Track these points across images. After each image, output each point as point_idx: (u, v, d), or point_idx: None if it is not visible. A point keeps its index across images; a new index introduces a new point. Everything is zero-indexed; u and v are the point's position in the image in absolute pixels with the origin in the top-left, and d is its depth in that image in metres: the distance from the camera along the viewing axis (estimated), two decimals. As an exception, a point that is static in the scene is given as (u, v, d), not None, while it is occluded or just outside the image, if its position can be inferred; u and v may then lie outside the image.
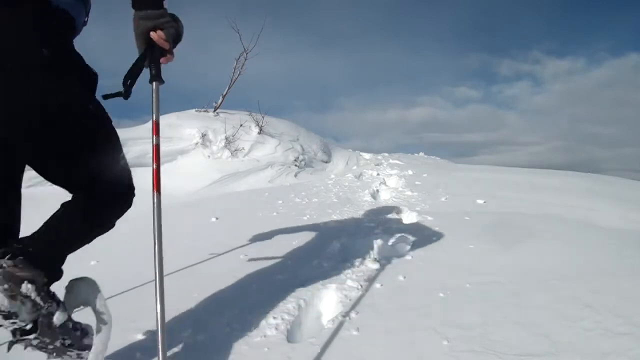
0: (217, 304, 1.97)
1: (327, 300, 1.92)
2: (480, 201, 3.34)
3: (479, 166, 6.79)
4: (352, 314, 1.70)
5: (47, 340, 1.14)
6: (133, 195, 1.31)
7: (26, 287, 1.07)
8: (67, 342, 1.17)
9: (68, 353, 1.19)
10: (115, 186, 1.22)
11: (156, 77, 1.18)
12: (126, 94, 1.13)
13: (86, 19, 1.19)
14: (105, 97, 1.15)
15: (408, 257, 2.27)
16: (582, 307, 1.57)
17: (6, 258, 1.06)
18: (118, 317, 2.05)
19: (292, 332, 1.66)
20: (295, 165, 6.69)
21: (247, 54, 8.21)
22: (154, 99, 1.20)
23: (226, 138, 6.81)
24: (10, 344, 1.14)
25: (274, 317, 1.72)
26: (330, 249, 2.48)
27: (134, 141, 6.31)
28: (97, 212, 1.21)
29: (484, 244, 2.34)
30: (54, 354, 1.19)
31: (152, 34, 1.13)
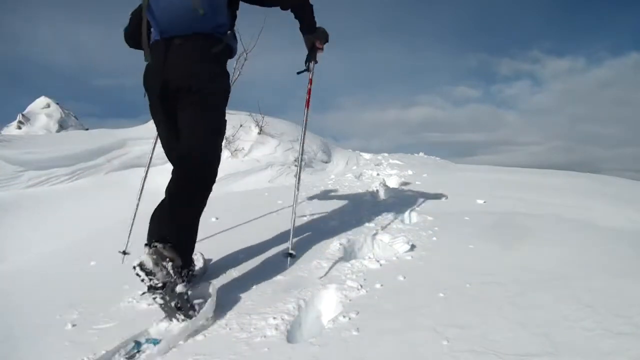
0: (216, 304, 1.97)
1: (327, 300, 1.92)
2: (480, 201, 3.33)
3: (479, 166, 6.79)
4: (352, 314, 1.70)
5: (167, 299, 1.66)
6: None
7: (166, 262, 1.65)
8: (179, 306, 1.68)
9: (177, 315, 1.69)
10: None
11: (313, 59, 2.36)
12: (307, 69, 2.39)
13: (236, 47, 2.16)
14: (298, 72, 2.39)
15: (408, 257, 2.26)
16: (582, 307, 1.57)
17: (158, 243, 1.68)
18: (120, 316, 2.06)
19: (292, 332, 1.66)
20: (295, 166, 6.68)
21: (247, 54, 8.20)
22: (311, 76, 2.38)
23: (226, 138, 6.81)
24: (143, 293, 1.89)
25: (274, 317, 1.72)
26: (330, 249, 2.48)
27: (134, 141, 6.31)
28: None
29: (484, 244, 2.34)
30: (167, 312, 1.71)
31: (317, 42, 2.30)
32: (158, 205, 1.87)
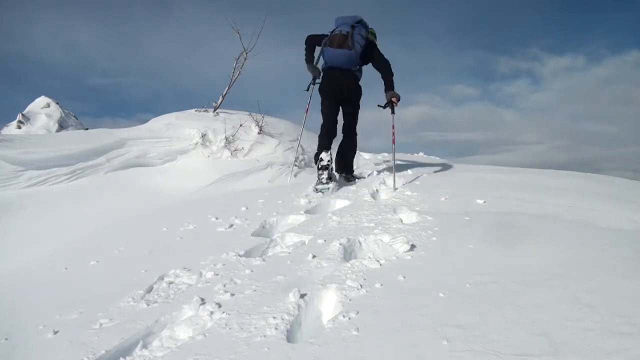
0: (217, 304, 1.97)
1: (327, 300, 1.92)
2: (480, 201, 3.33)
3: (478, 166, 6.77)
4: (352, 314, 1.70)
5: (332, 184, 4.15)
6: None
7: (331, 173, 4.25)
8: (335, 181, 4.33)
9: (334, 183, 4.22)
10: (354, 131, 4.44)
11: (393, 111, 4.15)
12: (389, 109, 4.18)
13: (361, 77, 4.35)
14: (379, 105, 4.22)
15: (408, 257, 2.26)
16: (582, 307, 1.57)
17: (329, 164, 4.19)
18: (120, 316, 2.06)
19: (292, 332, 1.66)
20: (295, 165, 6.67)
21: (247, 53, 8.18)
22: (393, 121, 4.15)
23: (226, 138, 6.80)
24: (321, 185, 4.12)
25: (274, 317, 1.73)
26: (330, 249, 2.48)
27: (134, 141, 6.31)
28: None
29: (484, 244, 2.34)
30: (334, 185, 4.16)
31: (393, 99, 4.07)
32: (339, 146, 4.46)
